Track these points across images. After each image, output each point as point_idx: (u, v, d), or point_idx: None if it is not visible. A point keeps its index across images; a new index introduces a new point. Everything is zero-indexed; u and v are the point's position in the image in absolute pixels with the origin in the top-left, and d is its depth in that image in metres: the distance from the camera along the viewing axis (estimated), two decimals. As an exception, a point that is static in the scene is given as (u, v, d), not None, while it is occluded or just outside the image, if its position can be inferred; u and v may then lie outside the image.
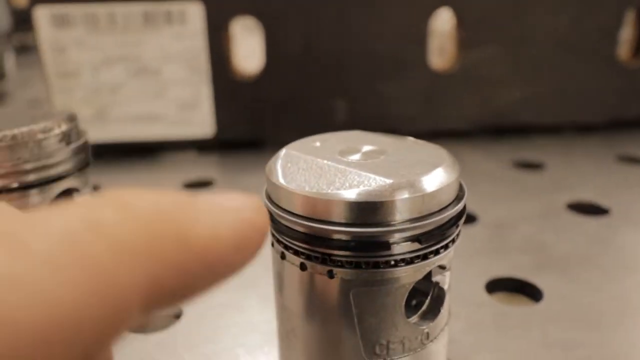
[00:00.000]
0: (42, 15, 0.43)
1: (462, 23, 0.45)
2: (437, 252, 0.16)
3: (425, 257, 0.16)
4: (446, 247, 0.17)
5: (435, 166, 0.16)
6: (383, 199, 0.15)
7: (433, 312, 0.18)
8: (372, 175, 0.16)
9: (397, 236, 0.16)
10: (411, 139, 0.20)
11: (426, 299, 0.18)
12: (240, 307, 0.26)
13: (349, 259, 0.16)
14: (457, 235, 0.17)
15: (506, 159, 0.43)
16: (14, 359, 0.08)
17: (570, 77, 0.47)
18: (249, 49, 0.51)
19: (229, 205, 0.13)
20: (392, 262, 0.16)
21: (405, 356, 0.17)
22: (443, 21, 0.49)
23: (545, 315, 0.24)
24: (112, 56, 0.45)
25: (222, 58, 0.45)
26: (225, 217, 0.12)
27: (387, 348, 0.17)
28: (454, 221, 0.17)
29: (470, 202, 0.35)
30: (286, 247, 0.17)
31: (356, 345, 0.17)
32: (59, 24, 0.44)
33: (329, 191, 0.15)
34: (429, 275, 0.18)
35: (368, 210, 0.15)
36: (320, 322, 0.17)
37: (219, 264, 0.12)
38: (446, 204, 0.16)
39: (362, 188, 0.15)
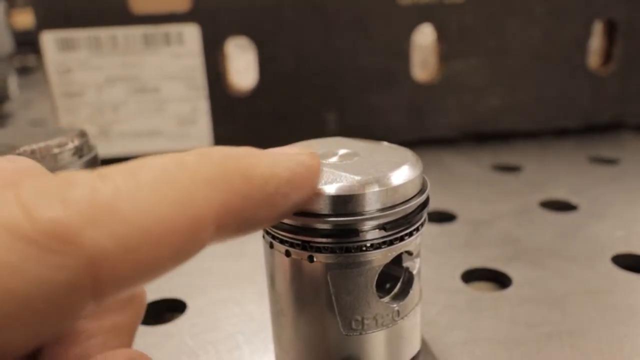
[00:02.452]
0: (48, 40, 0.46)
1: (443, 37, 0.48)
2: (402, 239, 0.19)
3: (391, 242, 0.19)
4: (410, 234, 0.19)
5: (399, 165, 0.19)
6: (353, 193, 0.18)
7: (403, 293, 0.20)
8: (345, 174, 0.18)
9: (365, 224, 0.18)
10: (385, 143, 0.22)
11: (398, 282, 0.21)
12: (239, 300, 0.28)
13: (325, 245, 0.18)
14: (421, 224, 0.20)
15: (487, 163, 0.46)
16: (143, 245, 0.12)
17: (545, 85, 0.50)
18: (243, 66, 0.54)
19: (287, 151, 0.17)
20: (363, 247, 0.18)
21: (378, 330, 0.20)
22: (425, 36, 0.52)
23: (514, 298, 0.27)
24: (114, 76, 0.48)
25: (218, 75, 0.48)
26: (283, 158, 0.16)
27: (362, 323, 0.19)
28: (416, 211, 0.19)
29: (451, 203, 0.38)
30: (273, 237, 0.19)
31: (335, 321, 0.19)
32: (64, 47, 0.47)
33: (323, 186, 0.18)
34: (399, 260, 0.20)
35: (340, 203, 0.18)
36: (304, 302, 0.20)
37: (277, 195, 0.16)
38: (409, 196, 0.19)
39: (335, 184, 0.18)
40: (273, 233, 0.20)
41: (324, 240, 0.18)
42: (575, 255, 0.31)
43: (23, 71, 1.11)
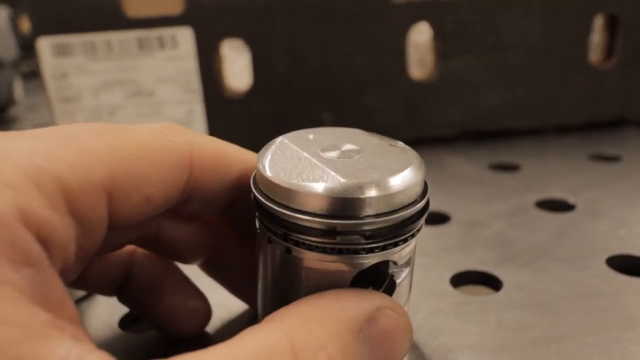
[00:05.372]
0: (44, 45, 0.46)
1: (439, 35, 0.48)
2: (384, 248, 0.18)
3: (370, 250, 0.18)
4: (395, 244, 0.18)
5: (395, 172, 0.18)
6: (333, 195, 0.17)
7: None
8: (333, 173, 0.18)
9: (344, 228, 0.17)
10: (400, 144, 0.21)
11: (381, 286, 0.20)
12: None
13: (303, 241, 0.18)
14: (411, 235, 0.19)
15: (484, 162, 0.45)
16: None
17: (545, 81, 0.49)
18: (239, 68, 0.54)
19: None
20: (339, 250, 0.18)
21: None
22: (422, 34, 0.51)
23: (502, 302, 0.26)
24: (110, 80, 0.48)
25: (213, 77, 0.48)
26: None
27: None
28: (404, 224, 0.18)
29: (446, 203, 0.37)
30: (260, 222, 0.19)
31: None
32: (60, 53, 0.47)
33: (292, 181, 0.18)
34: (386, 267, 0.20)
35: (319, 202, 0.17)
36: (280, 287, 0.20)
37: None
38: (395, 207, 0.18)
39: (320, 183, 0.17)
40: (260, 218, 0.19)
41: (300, 235, 0.18)
42: (569, 257, 0.30)
43: (29, 75, 1.11)
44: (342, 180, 0.17)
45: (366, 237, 0.18)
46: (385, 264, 0.20)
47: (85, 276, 0.22)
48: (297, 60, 0.48)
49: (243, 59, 0.53)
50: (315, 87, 0.48)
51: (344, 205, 0.17)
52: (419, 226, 0.19)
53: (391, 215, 0.18)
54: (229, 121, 0.49)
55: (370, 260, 0.19)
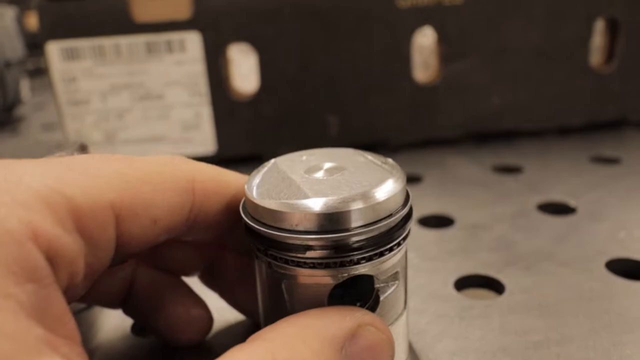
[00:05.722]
0: (53, 50, 0.47)
1: (443, 39, 0.48)
2: (356, 262, 0.19)
3: (341, 264, 0.19)
4: (369, 258, 0.19)
5: (363, 190, 0.19)
6: (295, 211, 0.18)
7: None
8: (306, 191, 0.19)
9: (313, 243, 0.18)
10: (390, 162, 0.22)
11: (367, 302, 0.21)
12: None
13: (280, 255, 0.19)
14: (387, 250, 0.19)
15: (488, 164, 0.46)
16: None
17: (547, 84, 0.50)
18: (245, 70, 0.54)
19: None
20: (311, 265, 0.19)
21: None
22: (426, 37, 0.52)
23: (506, 306, 0.27)
24: (118, 84, 0.48)
25: (221, 80, 0.48)
26: None
27: None
28: (372, 240, 0.19)
29: (449, 206, 0.38)
30: (247, 238, 0.20)
31: None
32: (69, 57, 0.48)
33: (270, 199, 0.19)
34: (371, 282, 0.20)
35: (285, 220, 0.18)
36: (270, 300, 0.21)
37: None
38: (355, 225, 0.18)
39: (289, 200, 0.18)
40: (246, 235, 0.20)
41: (277, 251, 0.19)
42: (570, 260, 0.31)
43: (35, 73, 1.12)
44: (314, 197, 0.18)
45: (338, 250, 0.19)
46: (370, 279, 0.20)
47: (91, 291, 0.23)
48: (304, 63, 0.48)
49: (249, 61, 0.53)
50: (322, 90, 0.49)
51: (310, 220, 0.18)
52: (402, 235, 0.20)
53: (369, 227, 0.19)
54: (235, 124, 0.50)
55: (344, 274, 0.19)
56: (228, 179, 0.22)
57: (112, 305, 0.25)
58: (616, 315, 0.26)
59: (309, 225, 0.18)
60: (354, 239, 0.19)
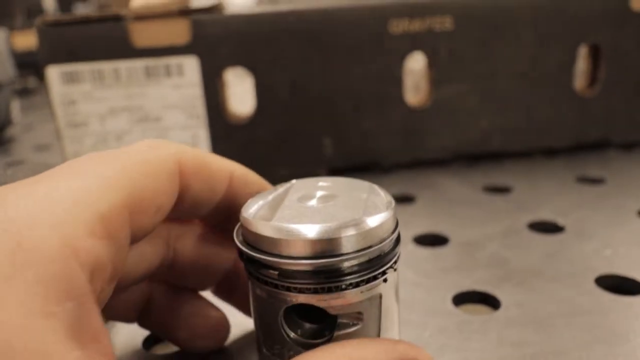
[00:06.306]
0: (53, 73, 0.48)
1: (433, 64, 0.50)
2: (303, 291, 0.19)
3: (288, 289, 0.19)
4: (315, 291, 0.19)
5: (342, 225, 0.19)
6: (260, 232, 0.19)
7: (317, 340, 0.21)
8: (281, 214, 0.20)
9: (268, 262, 0.19)
10: (375, 188, 0.22)
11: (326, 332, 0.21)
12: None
13: (250, 270, 0.20)
14: (336, 286, 0.19)
15: (478, 185, 0.48)
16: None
17: (534, 107, 0.52)
18: (240, 93, 0.56)
19: None
20: (267, 282, 0.20)
21: None
22: (417, 61, 0.54)
23: (502, 321, 0.28)
24: (117, 107, 0.49)
25: (217, 104, 0.50)
26: None
27: (272, 349, 0.21)
28: (315, 272, 0.19)
29: (443, 225, 0.39)
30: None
31: (259, 338, 0.22)
32: (68, 81, 0.48)
33: (254, 222, 0.20)
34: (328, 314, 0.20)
35: (258, 240, 0.20)
36: (254, 309, 0.22)
37: None
38: (304, 255, 0.19)
39: (270, 224, 0.19)
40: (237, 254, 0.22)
41: (251, 268, 0.20)
42: (561, 276, 0.32)
43: (23, 93, 1.12)
44: (291, 226, 0.19)
45: (281, 274, 0.19)
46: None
47: (109, 307, 0.24)
48: (299, 87, 0.50)
49: (244, 84, 0.55)
50: (316, 113, 0.51)
51: (266, 242, 0.19)
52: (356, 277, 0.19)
53: (326, 259, 0.19)
54: (232, 145, 0.51)
55: (294, 299, 0.20)
56: (209, 159, 0.22)
57: (128, 319, 0.25)
58: (607, 328, 0.27)
59: (269, 247, 0.19)
60: (319, 267, 0.19)
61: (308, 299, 0.19)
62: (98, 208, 0.17)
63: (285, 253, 0.19)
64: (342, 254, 0.19)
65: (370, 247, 0.19)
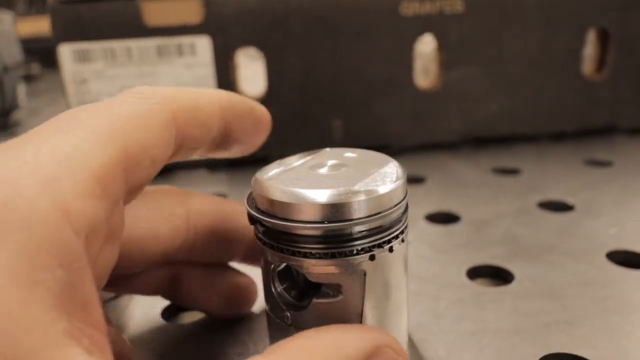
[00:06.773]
0: (65, 51, 0.48)
1: (443, 46, 0.51)
2: (292, 253, 0.19)
3: (281, 250, 0.20)
4: (295, 252, 0.19)
5: (346, 190, 0.19)
6: (258, 192, 0.20)
7: (301, 303, 0.21)
8: (287, 179, 0.20)
9: (262, 221, 0.20)
10: (392, 163, 0.22)
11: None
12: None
13: (260, 235, 0.21)
14: (326, 251, 0.19)
15: (487, 167, 0.48)
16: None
17: (542, 91, 0.52)
18: (251, 75, 0.56)
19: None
20: (260, 240, 0.21)
21: (274, 327, 0.22)
22: (426, 44, 0.54)
23: (516, 292, 0.29)
24: (128, 86, 0.49)
25: (229, 84, 0.50)
26: None
27: (270, 309, 0.22)
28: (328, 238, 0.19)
29: (454, 204, 0.40)
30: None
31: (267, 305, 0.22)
32: (80, 59, 0.49)
33: (266, 185, 0.20)
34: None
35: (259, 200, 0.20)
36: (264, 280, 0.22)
37: None
38: (292, 217, 0.19)
39: (282, 189, 0.19)
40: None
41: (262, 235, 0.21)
42: (572, 252, 0.33)
43: (27, 79, 1.12)
44: (286, 188, 0.19)
45: (266, 234, 0.20)
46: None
47: (129, 287, 0.24)
48: (310, 69, 0.50)
49: (255, 66, 0.55)
50: (326, 95, 0.51)
51: (263, 202, 0.20)
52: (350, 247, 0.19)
53: (335, 223, 0.19)
54: (243, 126, 0.51)
55: (284, 260, 0.20)
56: (200, 100, 0.21)
57: (157, 293, 0.26)
58: (619, 299, 0.28)
59: (263, 206, 0.20)
60: (331, 231, 0.19)
61: (284, 259, 0.20)
62: (91, 166, 0.15)
63: (270, 212, 0.19)
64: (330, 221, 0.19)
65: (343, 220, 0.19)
